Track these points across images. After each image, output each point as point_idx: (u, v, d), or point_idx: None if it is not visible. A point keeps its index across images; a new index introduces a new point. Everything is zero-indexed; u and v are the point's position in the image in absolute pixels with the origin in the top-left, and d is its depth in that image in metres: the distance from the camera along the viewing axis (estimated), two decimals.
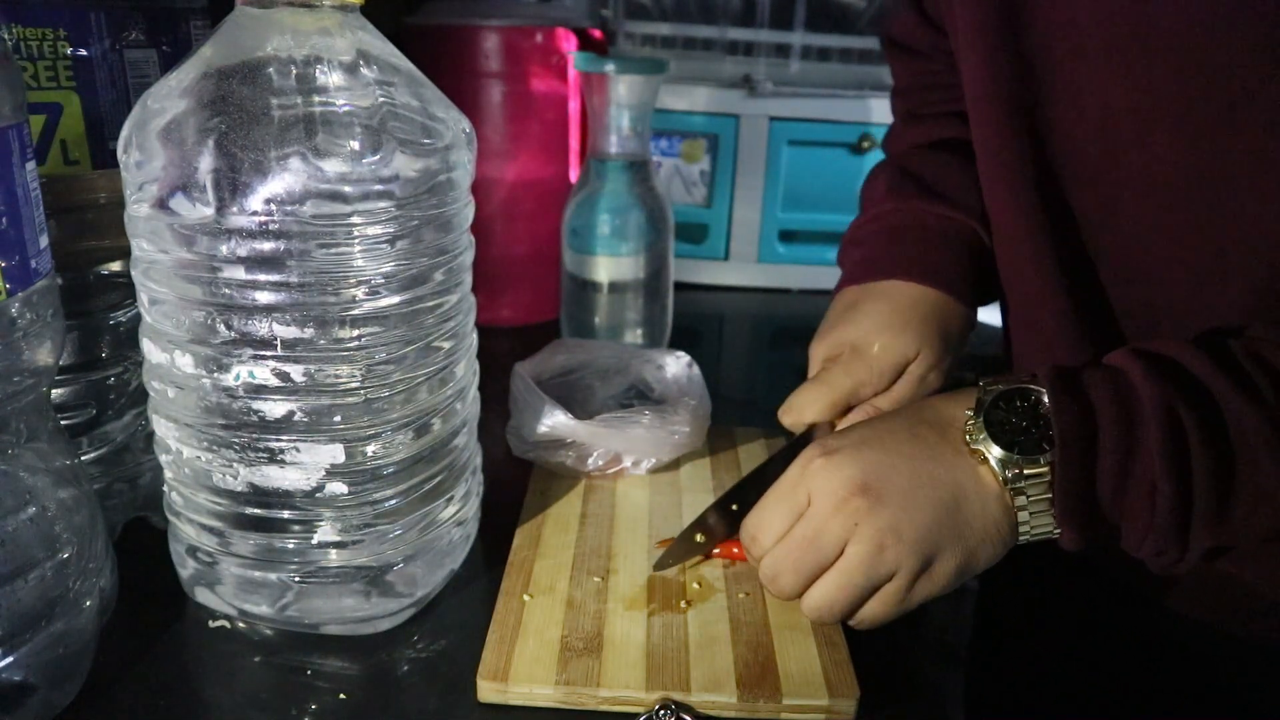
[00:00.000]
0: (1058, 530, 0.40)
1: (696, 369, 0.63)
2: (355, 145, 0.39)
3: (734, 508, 0.51)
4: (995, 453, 0.40)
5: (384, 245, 0.40)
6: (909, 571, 0.41)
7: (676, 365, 0.64)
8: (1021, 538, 0.41)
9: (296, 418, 0.41)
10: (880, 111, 0.99)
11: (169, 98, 0.39)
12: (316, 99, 0.39)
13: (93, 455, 0.49)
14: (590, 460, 0.58)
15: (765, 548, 0.44)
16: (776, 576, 0.43)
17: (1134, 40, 0.42)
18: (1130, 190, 0.45)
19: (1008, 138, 0.50)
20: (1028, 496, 0.40)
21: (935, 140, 0.62)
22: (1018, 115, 0.49)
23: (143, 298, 0.42)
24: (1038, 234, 0.50)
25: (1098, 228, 0.48)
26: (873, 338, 0.54)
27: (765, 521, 0.44)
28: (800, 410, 0.54)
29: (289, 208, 0.38)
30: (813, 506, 0.42)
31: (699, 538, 0.50)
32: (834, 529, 0.41)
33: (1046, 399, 0.40)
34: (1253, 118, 0.40)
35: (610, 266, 0.77)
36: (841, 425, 0.52)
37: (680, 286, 0.84)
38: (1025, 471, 0.40)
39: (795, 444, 0.53)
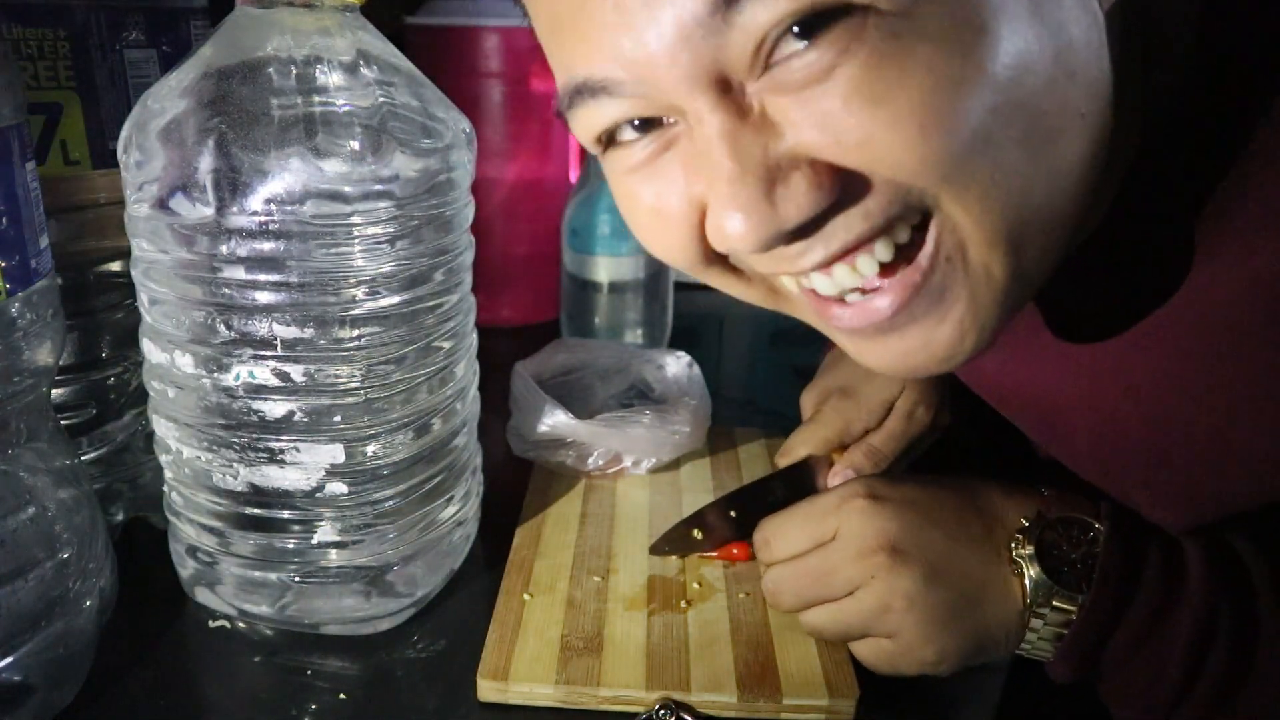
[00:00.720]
0: (1052, 658, 0.40)
1: (696, 369, 0.63)
2: (355, 145, 0.39)
3: (732, 514, 0.51)
4: (1034, 574, 0.39)
5: (384, 245, 0.40)
6: (908, 640, 0.40)
7: (676, 365, 0.64)
8: (1018, 651, 0.41)
9: (296, 418, 0.41)
10: None
11: (169, 98, 0.39)
12: (316, 99, 0.39)
13: (93, 455, 0.49)
14: (590, 460, 0.58)
15: (775, 559, 0.44)
16: (778, 592, 0.44)
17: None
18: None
19: None
20: (1045, 622, 0.39)
21: None
22: None
23: (143, 298, 0.42)
24: None
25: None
26: (858, 379, 0.55)
27: (784, 534, 0.44)
28: (796, 452, 0.54)
29: (289, 208, 0.38)
30: (836, 543, 0.42)
31: (696, 533, 0.50)
32: (850, 574, 0.41)
33: (1101, 540, 0.39)
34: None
35: (610, 266, 0.77)
36: (839, 462, 0.53)
37: (680, 286, 0.84)
38: (1055, 603, 0.39)
39: (794, 469, 0.54)
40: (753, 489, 0.53)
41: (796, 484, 0.52)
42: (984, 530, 0.41)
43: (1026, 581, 0.39)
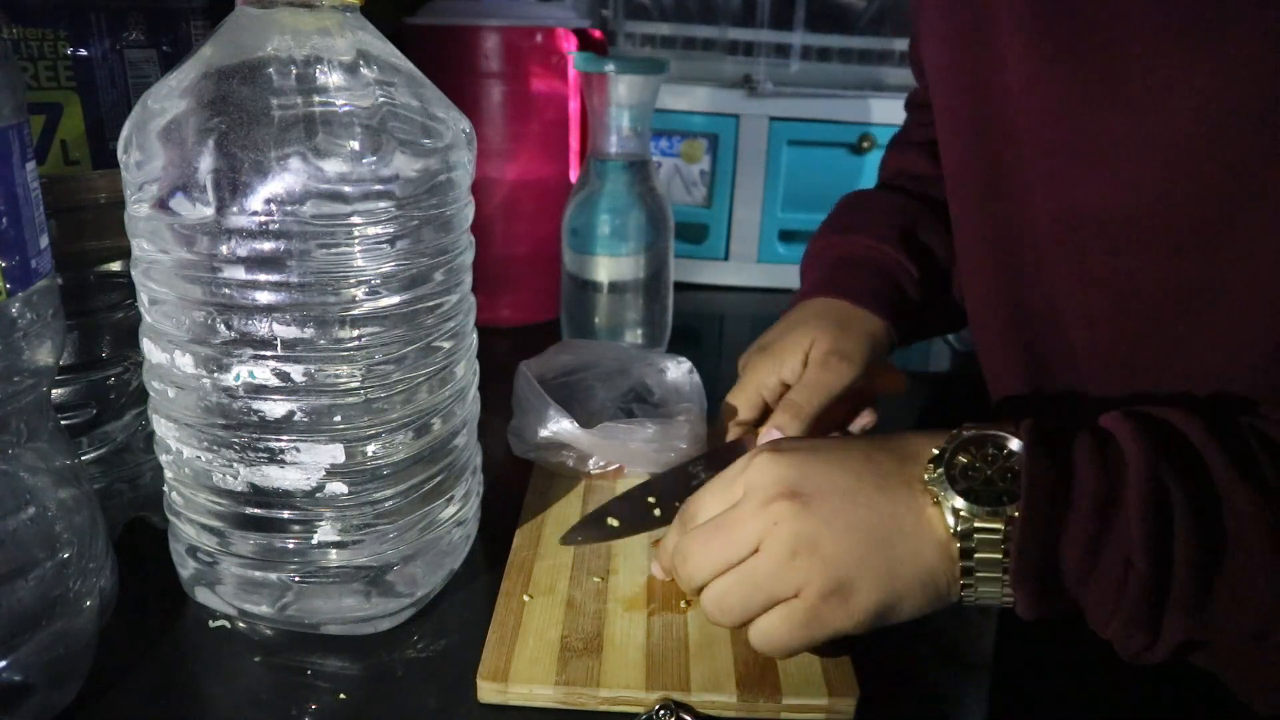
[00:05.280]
0: (1009, 597, 0.37)
1: (697, 376, 0.63)
2: (355, 145, 0.39)
3: (651, 499, 0.52)
4: (949, 499, 0.37)
5: (384, 245, 0.40)
6: (817, 590, 0.38)
7: (678, 371, 0.64)
8: (965, 600, 0.38)
9: (296, 418, 0.41)
10: (880, 111, 0.99)
11: (169, 98, 0.39)
12: (316, 99, 0.39)
13: (93, 455, 0.49)
14: (591, 461, 0.58)
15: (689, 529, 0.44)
16: (685, 558, 0.42)
17: (1115, 148, 0.41)
18: (1094, 289, 0.44)
19: (975, 218, 0.52)
20: (975, 557, 0.37)
21: (901, 173, 0.67)
22: (985, 201, 0.50)
23: (143, 298, 0.42)
24: (1001, 315, 0.51)
25: (1059, 316, 0.47)
26: (776, 334, 0.60)
27: (700, 505, 0.44)
28: (727, 414, 0.57)
29: (289, 208, 0.38)
30: (742, 500, 0.41)
31: (611, 521, 0.50)
32: (752, 526, 0.40)
33: (1020, 450, 0.37)
34: (1241, 228, 0.38)
35: (610, 266, 0.77)
36: (767, 424, 0.55)
37: (680, 286, 0.84)
38: (977, 525, 0.36)
39: (719, 450, 0.55)
40: (674, 474, 0.54)
41: (721, 465, 0.50)
42: (894, 466, 0.39)
43: (944, 510, 0.37)
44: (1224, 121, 0.37)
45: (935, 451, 0.39)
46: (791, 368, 0.56)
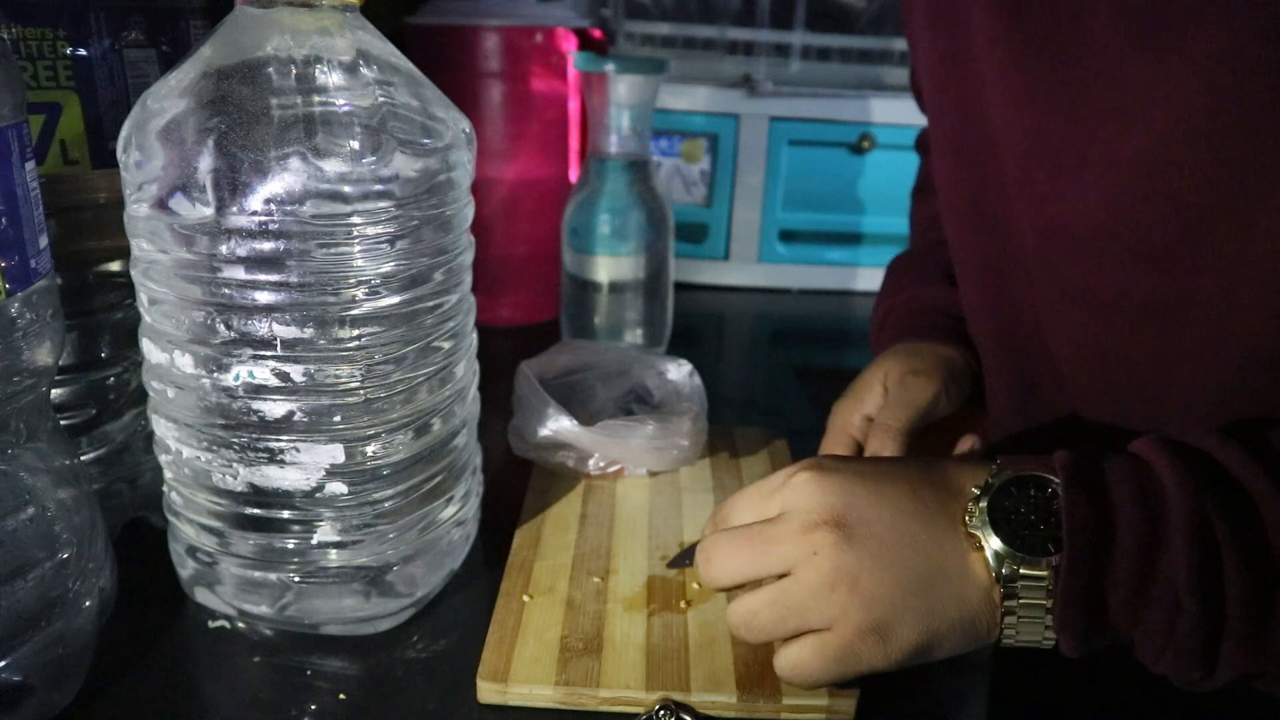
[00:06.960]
0: (1050, 639, 0.36)
1: (698, 379, 0.63)
2: (355, 145, 0.39)
3: None
4: (993, 544, 0.36)
5: (384, 245, 0.40)
6: (853, 627, 0.37)
7: (678, 373, 0.64)
8: (1005, 642, 0.37)
9: (296, 418, 0.41)
10: (880, 111, 0.99)
11: (169, 98, 0.39)
12: (316, 99, 0.39)
13: (93, 455, 0.49)
14: (591, 461, 0.58)
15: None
16: (710, 560, 0.41)
17: (1090, 161, 0.41)
18: (1078, 303, 0.44)
19: (966, 237, 0.52)
20: (1019, 600, 0.36)
21: (934, 222, 0.66)
22: (974, 220, 0.51)
23: (142, 298, 0.42)
24: (993, 333, 0.52)
25: (1045, 334, 0.48)
26: (851, 385, 0.58)
27: (734, 510, 0.43)
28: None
29: (289, 208, 0.38)
30: (779, 518, 0.39)
31: None
32: (789, 550, 0.38)
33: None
34: (1218, 238, 0.38)
35: (610, 266, 0.77)
36: (866, 454, 0.53)
37: (680, 286, 0.84)
38: (1023, 571, 0.36)
39: None
40: None
41: None
42: (939, 505, 0.38)
43: (988, 555, 0.36)
44: (1195, 131, 0.37)
45: (976, 491, 0.38)
46: (873, 400, 0.54)
